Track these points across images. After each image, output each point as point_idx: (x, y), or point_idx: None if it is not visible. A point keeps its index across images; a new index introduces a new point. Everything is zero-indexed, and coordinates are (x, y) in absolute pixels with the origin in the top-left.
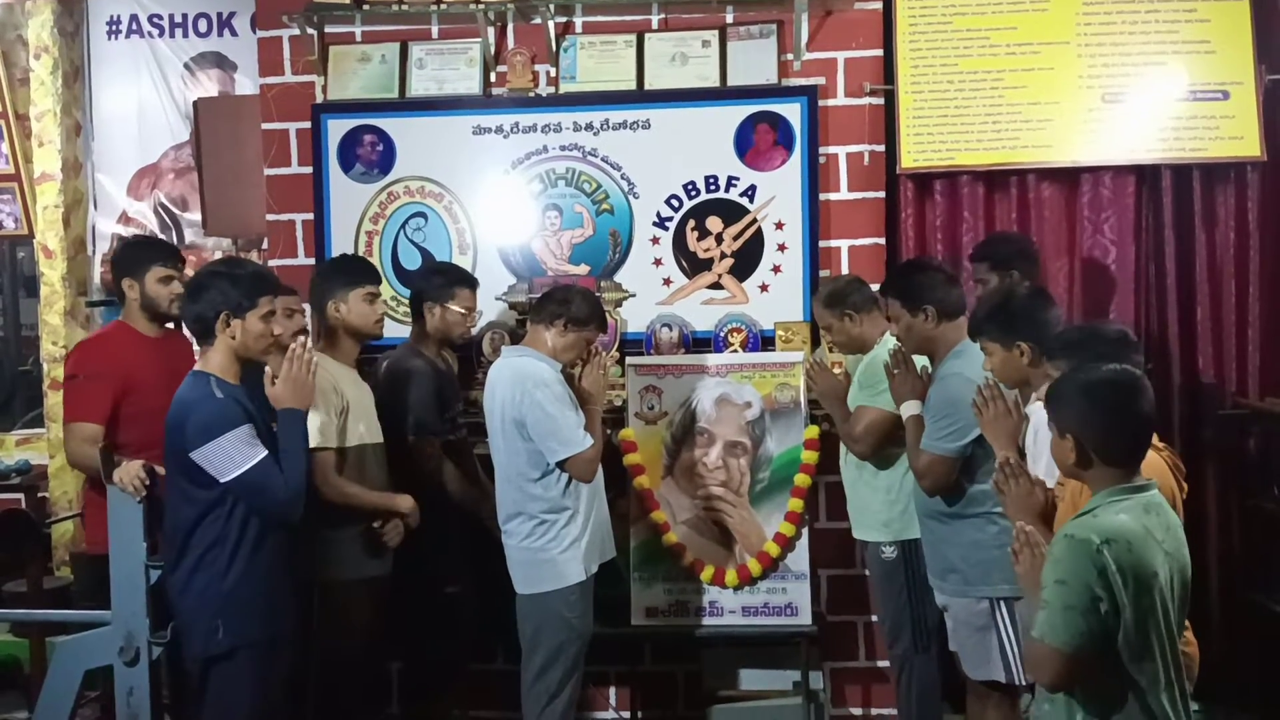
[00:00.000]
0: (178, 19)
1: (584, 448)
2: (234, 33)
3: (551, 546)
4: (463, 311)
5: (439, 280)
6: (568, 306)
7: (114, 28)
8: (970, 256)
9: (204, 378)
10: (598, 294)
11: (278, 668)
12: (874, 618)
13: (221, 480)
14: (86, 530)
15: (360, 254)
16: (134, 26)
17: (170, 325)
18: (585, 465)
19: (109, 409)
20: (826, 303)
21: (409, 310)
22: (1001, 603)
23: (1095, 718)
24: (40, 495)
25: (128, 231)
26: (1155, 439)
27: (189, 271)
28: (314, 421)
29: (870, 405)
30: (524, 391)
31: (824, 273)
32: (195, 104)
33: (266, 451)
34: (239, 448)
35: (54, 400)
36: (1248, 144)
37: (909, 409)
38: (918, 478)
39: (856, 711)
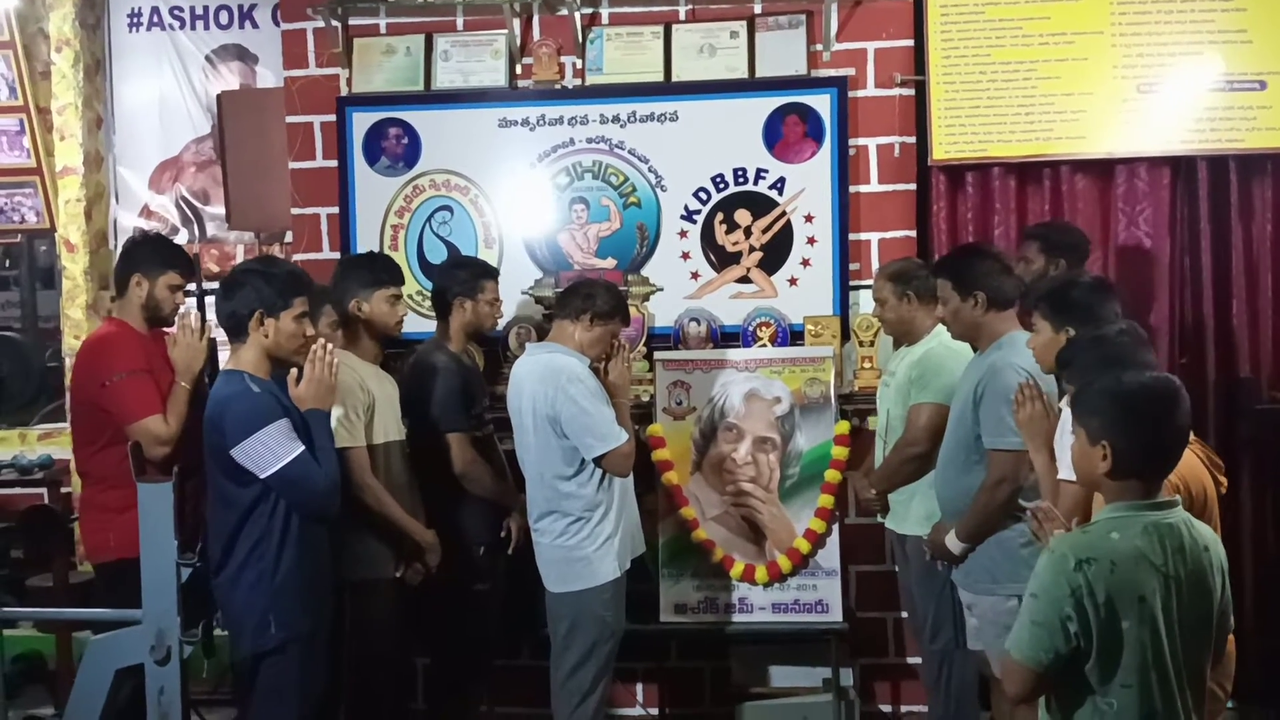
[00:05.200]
0: (198, 11)
1: (621, 442)
2: (255, 25)
3: (586, 544)
4: (491, 302)
5: (464, 275)
6: (592, 300)
7: (135, 20)
8: (1024, 232)
9: (237, 375)
10: (625, 288)
11: (321, 661)
12: (904, 614)
13: (262, 475)
14: (86, 538)
15: (385, 249)
16: (155, 19)
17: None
18: (622, 460)
19: (162, 401)
20: (891, 277)
21: (432, 306)
22: None
23: None
24: (64, 490)
25: (150, 225)
26: (1190, 434)
27: (211, 268)
28: (343, 420)
29: (928, 402)
30: (557, 387)
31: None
32: (219, 97)
33: (304, 446)
34: (280, 440)
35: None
36: None
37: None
38: (1003, 482)
39: (886, 708)
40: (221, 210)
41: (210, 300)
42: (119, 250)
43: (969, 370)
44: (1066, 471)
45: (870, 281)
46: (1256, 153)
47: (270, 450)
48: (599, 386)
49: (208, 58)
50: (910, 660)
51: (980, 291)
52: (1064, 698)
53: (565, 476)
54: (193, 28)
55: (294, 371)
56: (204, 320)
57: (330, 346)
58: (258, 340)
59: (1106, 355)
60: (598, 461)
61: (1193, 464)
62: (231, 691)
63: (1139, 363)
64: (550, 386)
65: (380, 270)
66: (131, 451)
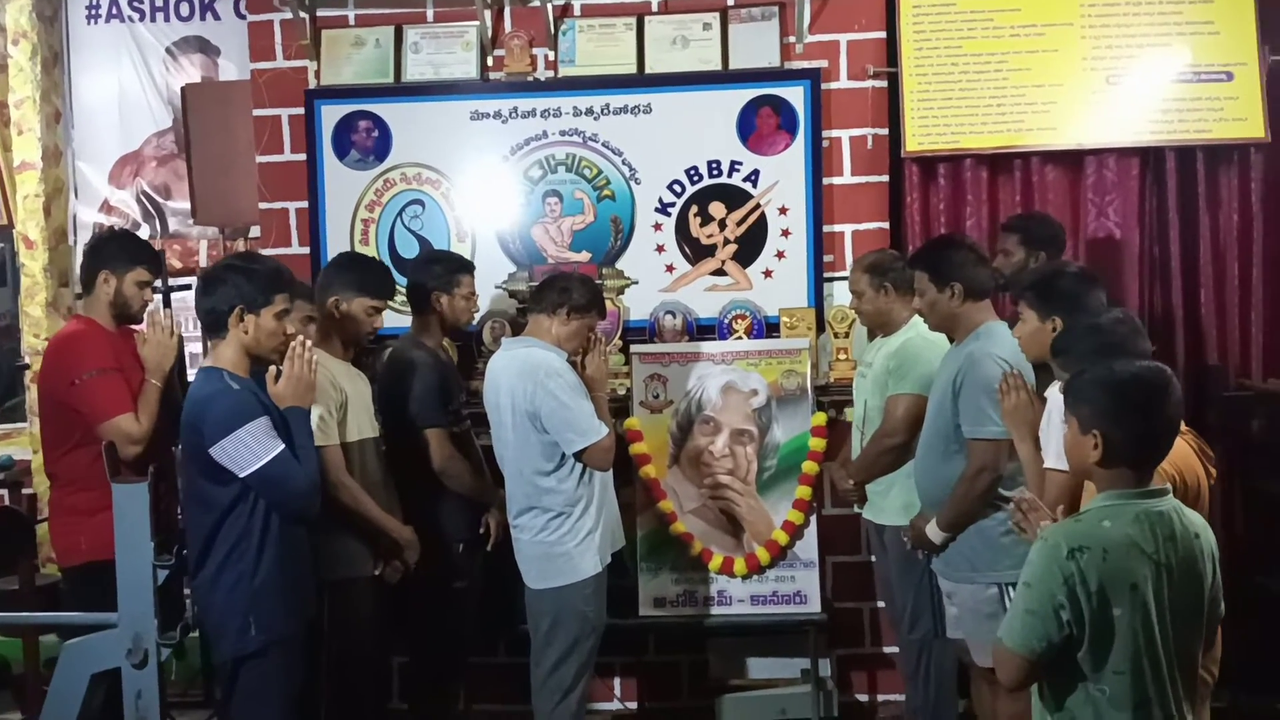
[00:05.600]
0: (158, 3)
1: (601, 436)
2: (216, 16)
3: (567, 540)
4: (467, 297)
5: (440, 269)
6: (568, 294)
7: (93, 12)
8: (1003, 225)
9: (216, 373)
10: (600, 281)
11: (301, 663)
12: (880, 603)
13: (241, 474)
14: (56, 541)
15: (356, 243)
16: (114, 10)
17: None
18: (603, 454)
19: (133, 400)
20: (868, 269)
21: (407, 300)
22: (1010, 589)
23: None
24: (25, 491)
25: (110, 221)
26: (1181, 424)
27: (174, 263)
28: (316, 419)
29: (906, 393)
30: (536, 382)
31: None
32: (183, 90)
33: (284, 445)
34: (259, 439)
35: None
36: (1251, 125)
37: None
38: (983, 471)
39: (863, 698)
40: (183, 205)
41: (175, 297)
42: (84, 246)
43: (947, 361)
44: (1052, 460)
45: (845, 273)
46: (1223, 143)
47: (250, 449)
48: (578, 381)
49: (168, 50)
50: (887, 650)
51: (956, 282)
52: (1056, 685)
53: (545, 472)
54: (153, 19)
55: (273, 369)
56: (172, 317)
57: (309, 344)
58: (237, 337)
59: (1103, 343)
60: (578, 456)
61: (1186, 453)
62: (204, 694)
63: (1135, 350)
64: (529, 382)
65: (371, 276)
66: (105, 452)
